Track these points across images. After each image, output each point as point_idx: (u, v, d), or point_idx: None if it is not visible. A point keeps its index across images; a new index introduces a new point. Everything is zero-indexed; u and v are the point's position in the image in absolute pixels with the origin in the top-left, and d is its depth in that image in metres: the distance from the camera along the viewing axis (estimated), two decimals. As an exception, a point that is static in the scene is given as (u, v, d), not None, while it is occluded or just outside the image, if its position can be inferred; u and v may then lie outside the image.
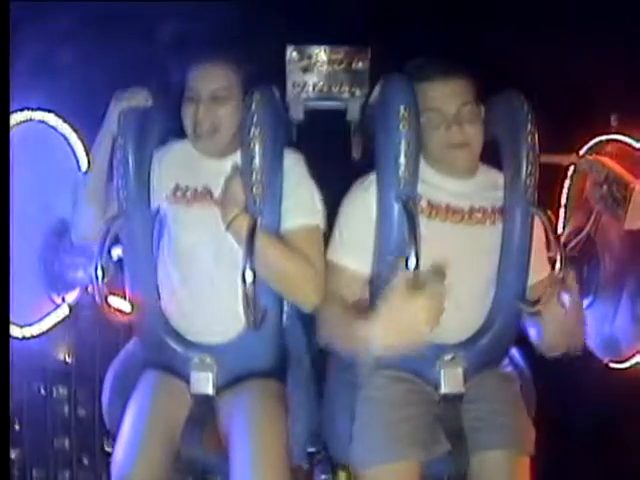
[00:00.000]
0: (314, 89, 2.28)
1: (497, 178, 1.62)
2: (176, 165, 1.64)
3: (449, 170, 1.57)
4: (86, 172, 1.69)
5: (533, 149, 1.52)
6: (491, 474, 1.53)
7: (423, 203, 1.54)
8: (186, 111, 1.57)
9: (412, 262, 1.40)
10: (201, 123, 1.55)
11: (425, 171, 1.55)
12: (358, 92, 2.27)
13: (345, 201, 1.59)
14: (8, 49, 1.36)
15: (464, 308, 1.59)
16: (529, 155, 1.52)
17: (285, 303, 1.67)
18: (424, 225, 1.48)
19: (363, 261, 1.55)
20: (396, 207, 1.49)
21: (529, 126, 1.52)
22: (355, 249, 1.56)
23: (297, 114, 2.24)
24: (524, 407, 1.62)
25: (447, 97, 1.52)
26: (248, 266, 1.41)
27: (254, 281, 1.42)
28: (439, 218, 1.55)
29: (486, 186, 1.61)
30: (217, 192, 1.58)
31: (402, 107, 1.47)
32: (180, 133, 1.62)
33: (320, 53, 2.24)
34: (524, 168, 1.53)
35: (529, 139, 1.52)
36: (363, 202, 1.56)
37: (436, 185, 1.57)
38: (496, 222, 1.58)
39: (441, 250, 1.51)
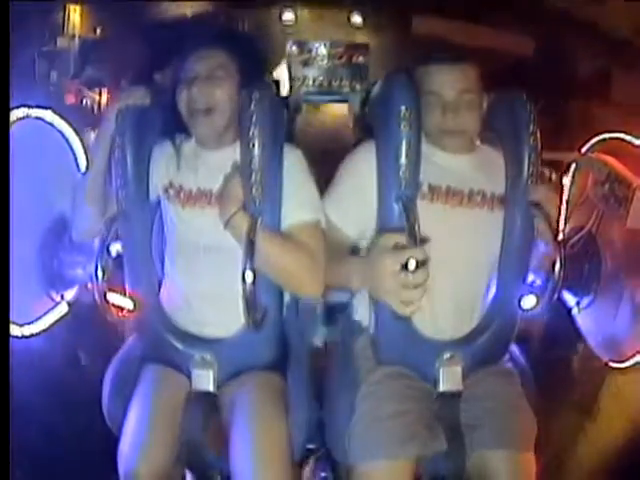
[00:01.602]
0: (314, 83, 2.27)
1: (496, 157, 1.62)
2: (171, 161, 1.62)
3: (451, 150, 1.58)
4: (85, 171, 1.67)
5: (535, 150, 1.51)
6: (489, 474, 1.53)
7: (424, 188, 1.53)
8: (182, 91, 1.54)
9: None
10: (196, 101, 1.52)
11: (424, 148, 1.54)
12: (358, 86, 2.26)
13: (344, 162, 1.60)
14: (8, 49, 1.34)
15: (464, 302, 1.59)
16: (531, 156, 1.52)
17: (285, 299, 1.67)
18: (425, 210, 1.48)
19: (347, 221, 1.58)
20: (396, 208, 1.48)
21: (531, 127, 1.51)
22: (340, 207, 1.58)
23: (297, 108, 2.24)
24: (526, 405, 1.62)
25: (448, 82, 1.53)
26: (248, 266, 1.40)
27: (254, 281, 1.41)
28: (440, 201, 1.55)
29: (485, 162, 1.61)
30: (215, 193, 1.56)
31: (403, 107, 1.45)
32: (179, 131, 1.61)
33: (320, 47, 2.23)
34: (526, 169, 1.52)
35: (531, 140, 1.51)
36: (360, 167, 1.56)
37: (435, 162, 1.56)
38: (494, 209, 1.58)
39: (441, 233, 1.50)
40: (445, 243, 1.50)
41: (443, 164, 1.57)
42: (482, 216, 1.57)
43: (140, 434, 1.51)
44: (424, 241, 1.39)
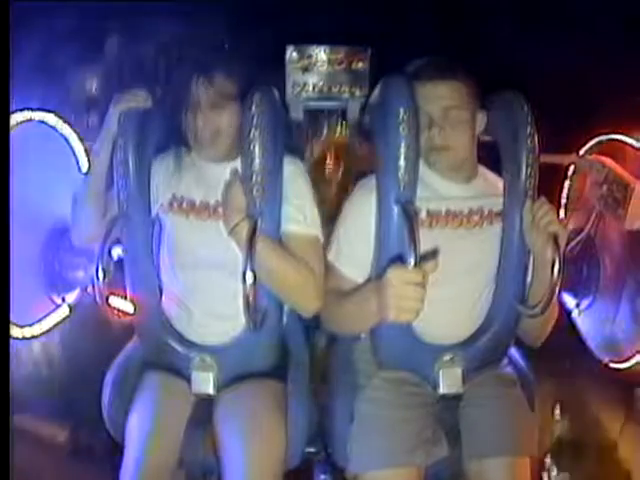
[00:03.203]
0: (314, 89, 2.27)
1: (497, 184, 1.61)
2: (174, 174, 1.63)
3: (443, 172, 1.57)
4: (86, 173, 1.68)
5: (533, 151, 1.51)
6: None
7: (423, 214, 1.53)
8: (187, 120, 1.55)
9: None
10: (202, 131, 1.54)
11: (425, 173, 1.55)
12: (358, 92, 2.26)
13: (345, 207, 1.59)
14: (8, 49, 1.35)
15: (463, 309, 1.59)
16: (529, 157, 1.51)
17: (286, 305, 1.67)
18: (425, 236, 1.45)
19: (361, 271, 1.56)
20: (395, 210, 1.48)
21: (529, 128, 1.51)
22: (352, 260, 1.57)
23: (297, 114, 2.24)
24: (526, 408, 1.62)
25: (434, 99, 1.51)
26: (248, 267, 1.41)
27: (254, 282, 1.41)
28: (439, 226, 1.55)
29: (485, 192, 1.60)
30: (216, 204, 1.57)
31: (402, 109, 1.46)
32: (180, 134, 1.61)
33: (320, 53, 2.24)
34: (524, 170, 1.52)
35: (529, 141, 1.51)
36: (362, 211, 1.55)
37: (435, 189, 1.57)
38: (494, 222, 1.58)
39: (441, 256, 1.51)
40: (445, 262, 1.49)
41: (442, 191, 1.57)
42: (482, 232, 1.58)
43: (141, 444, 1.51)
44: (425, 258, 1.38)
